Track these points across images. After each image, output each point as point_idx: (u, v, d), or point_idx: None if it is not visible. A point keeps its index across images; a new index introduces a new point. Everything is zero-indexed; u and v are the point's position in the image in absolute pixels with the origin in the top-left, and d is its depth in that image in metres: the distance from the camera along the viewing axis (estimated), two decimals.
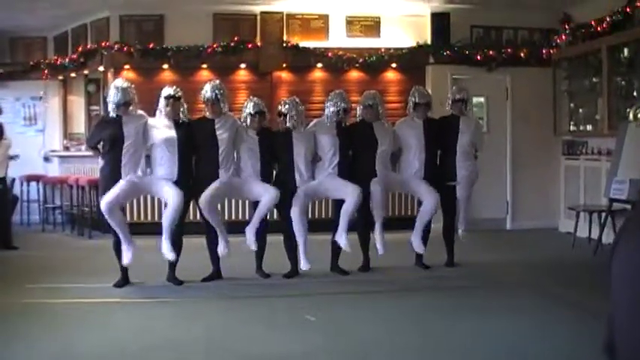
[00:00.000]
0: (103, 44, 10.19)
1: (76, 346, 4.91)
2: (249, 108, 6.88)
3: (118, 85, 6.64)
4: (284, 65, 10.31)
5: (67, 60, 11.02)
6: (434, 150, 7.35)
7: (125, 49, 10.04)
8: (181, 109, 6.72)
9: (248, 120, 6.86)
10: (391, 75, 10.55)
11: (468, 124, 7.43)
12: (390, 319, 5.56)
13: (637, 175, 7.53)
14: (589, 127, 9.62)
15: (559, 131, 10.27)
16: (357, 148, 7.21)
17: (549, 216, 10.31)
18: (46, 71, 11.45)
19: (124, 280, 6.71)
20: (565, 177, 10.24)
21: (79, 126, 11.63)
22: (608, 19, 8.78)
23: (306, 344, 4.93)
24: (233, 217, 9.32)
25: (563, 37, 10.00)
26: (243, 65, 10.29)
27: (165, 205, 6.68)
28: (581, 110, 9.92)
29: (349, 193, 6.81)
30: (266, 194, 6.69)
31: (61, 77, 11.60)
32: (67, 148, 11.50)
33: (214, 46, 10.08)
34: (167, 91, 6.74)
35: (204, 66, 10.19)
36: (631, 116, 8.01)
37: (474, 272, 7.27)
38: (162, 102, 6.71)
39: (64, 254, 8.64)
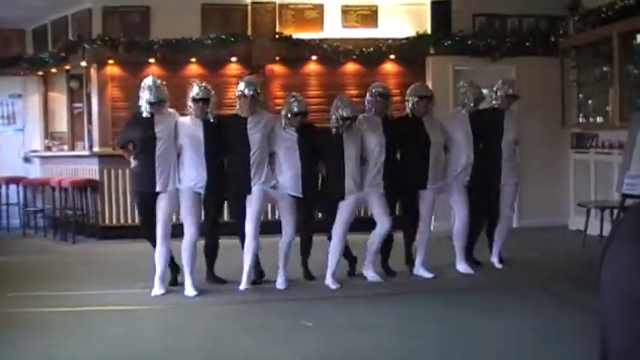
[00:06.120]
0: (86, 37, 10.13)
1: (60, 356, 4.88)
2: (291, 106, 6.70)
3: (150, 83, 6.62)
4: (277, 58, 10.27)
5: (47, 54, 10.97)
6: (478, 145, 7.32)
7: (109, 42, 9.98)
8: (208, 109, 6.67)
9: (288, 119, 6.70)
10: (389, 67, 10.52)
11: (512, 119, 7.47)
12: (390, 323, 5.54)
13: None
14: (599, 119, 9.59)
15: (568, 123, 10.24)
16: (406, 146, 7.10)
17: (558, 213, 10.28)
18: (24, 66, 11.38)
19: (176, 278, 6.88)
20: (574, 172, 10.22)
21: (62, 124, 11.57)
22: (619, 4, 8.73)
23: (302, 351, 4.92)
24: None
25: (572, 24, 9.97)
26: (234, 59, 10.24)
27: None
28: (590, 101, 9.89)
29: (379, 222, 6.82)
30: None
31: (41, 73, 11.55)
32: (48, 148, 11.46)
33: (203, 38, 10.03)
34: (194, 90, 6.68)
35: (193, 60, 10.15)
36: None
37: (481, 272, 7.26)
38: (189, 103, 6.69)
39: (46, 260, 8.59)
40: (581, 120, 10.04)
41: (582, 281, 6.62)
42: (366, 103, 7.14)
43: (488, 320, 5.54)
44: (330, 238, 6.85)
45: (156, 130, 6.52)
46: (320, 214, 7.23)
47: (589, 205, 8.93)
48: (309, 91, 9.91)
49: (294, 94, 7.02)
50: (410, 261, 7.36)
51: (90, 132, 10.72)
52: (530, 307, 5.94)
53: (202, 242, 6.82)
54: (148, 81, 6.67)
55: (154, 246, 6.61)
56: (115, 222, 9.87)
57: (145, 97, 6.54)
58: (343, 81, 10.35)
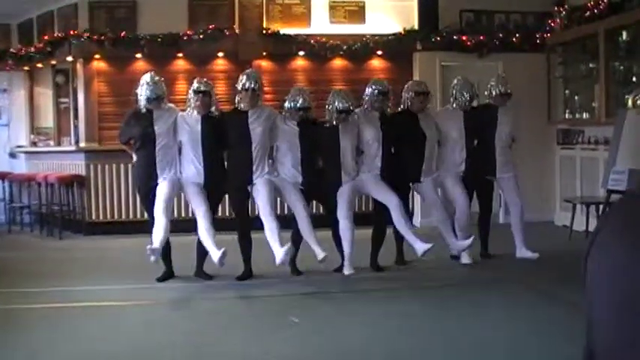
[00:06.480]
0: (72, 32, 10.08)
1: (47, 353, 4.85)
2: (296, 101, 6.75)
3: (148, 79, 6.67)
4: (264, 53, 10.24)
5: (32, 49, 10.89)
6: (473, 142, 7.44)
7: (95, 37, 9.93)
8: (212, 103, 6.72)
9: (290, 112, 6.78)
10: (377, 63, 10.52)
11: (507, 114, 7.55)
12: (376, 320, 5.54)
13: (636, 165, 7.54)
14: (585, 115, 9.62)
15: (554, 119, 10.27)
16: (401, 141, 7.15)
17: (544, 209, 10.30)
18: (10, 61, 11.29)
19: (168, 274, 6.84)
20: (560, 168, 10.25)
21: (47, 120, 11.49)
22: (605, 1, 8.76)
23: (289, 348, 4.90)
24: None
25: (558, 20, 10.00)
26: (221, 54, 10.22)
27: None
28: (577, 97, 9.92)
29: (387, 202, 6.83)
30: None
31: (26, 68, 11.45)
32: (34, 144, 11.37)
33: (190, 33, 9.99)
34: (195, 85, 6.73)
35: (180, 55, 10.11)
36: (630, 103, 8.01)
37: (467, 269, 7.26)
38: (191, 96, 6.70)
39: (32, 256, 8.53)
40: (567, 116, 10.07)
41: (568, 276, 6.66)
42: (365, 97, 7.15)
43: (474, 317, 5.55)
44: (333, 231, 6.90)
45: (155, 126, 6.56)
46: (322, 208, 7.31)
47: (575, 201, 8.97)
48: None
49: (299, 88, 7.10)
50: (401, 262, 7.37)
51: (76, 127, 10.67)
52: (517, 302, 5.97)
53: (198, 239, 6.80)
54: (146, 77, 6.70)
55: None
56: (101, 217, 9.84)
57: (142, 93, 6.55)
58: (330, 77, 10.34)
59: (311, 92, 9.13)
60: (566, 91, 10.13)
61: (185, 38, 9.99)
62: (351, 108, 6.86)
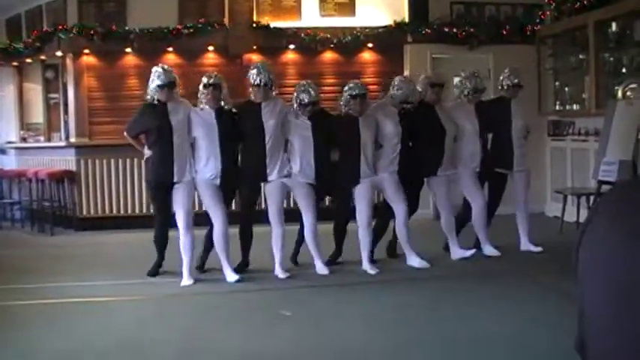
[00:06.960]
0: (61, 27, 10.02)
1: (41, 349, 4.84)
2: (301, 97, 6.69)
3: (158, 68, 6.59)
4: (254, 47, 10.21)
5: (21, 45, 10.83)
6: (486, 135, 7.45)
7: (84, 32, 9.87)
8: (222, 96, 6.64)
9: (299, 109, 6.72)
10: (367, 56, 10.50)
11: (520, 105, 7.59)
12: (371, 312, 5.55)
13: (627, 156, 7.57)
14: (575, 107, 9.65)
15: (544, 111, 10.29)
16: (420, 135, 7.11)
17: (535, 200, 10.24)
18: None
19: (157, 269, 6.79)
20: (551, 159, 10.28)
21: (37, 115, 11.47)
22: None
23: (286, 342, 4.90)
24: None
25: (548, 12, 10.02)
26: (211, 48, 10.19)
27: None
28: (567, 89, 9.95)
29: (395, 209, 6.87)
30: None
31: (15, 63, 11.40)
32: (24, 140, 11.35)
33: (180, 27, 9.96)
34: (205, 78, 6.65)
35: (170, 49, 10.07)
36: (620, 94, 8.05)
37: (459, 261, 7.27)
38: (201, 91, 6.63)
39: (24, 253, 8.51)
40: (557, 107, 10.11)
41: (560, 267, 6.68)
42: (389, 96, 7.10)
43: (468, 309, 5.57)
44: (335, 228, 6.93)
45: (170, 118, 6.47)
46: (329, 202, 7.35)
47: (566, 192, 9.00)
48: (287, 80, 9.85)
49: (304, 83, 6.94)
50: (393, 254, 7.38)
51: (66, 122, 10.64)
52: (510, 293, 5.97)
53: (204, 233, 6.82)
54: (156, 67, 6.62)
55: (162, 233, 6.61)
56: (92, 213, 9.80)
57: (154, 81, 6.47)
58: (321, 70, 10.32)
59: None
60: (557, 83, 10.16)
61: (175, 33, 9.95)
62: (365, 93, 6.85)
